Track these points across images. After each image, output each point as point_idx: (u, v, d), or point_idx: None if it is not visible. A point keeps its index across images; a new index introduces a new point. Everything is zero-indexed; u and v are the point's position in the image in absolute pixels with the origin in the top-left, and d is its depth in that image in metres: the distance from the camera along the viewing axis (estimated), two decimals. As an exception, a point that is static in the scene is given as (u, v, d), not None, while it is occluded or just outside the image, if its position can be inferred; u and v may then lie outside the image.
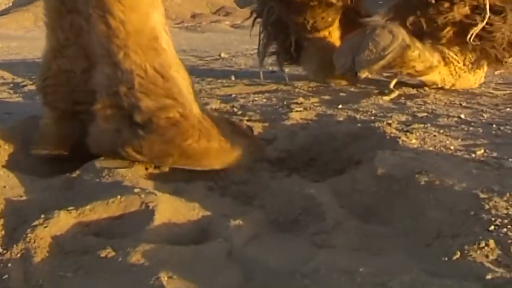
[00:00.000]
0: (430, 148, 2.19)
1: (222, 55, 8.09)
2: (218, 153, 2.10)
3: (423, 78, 4.27)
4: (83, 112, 2.17)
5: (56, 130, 2.23)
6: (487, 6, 3.96)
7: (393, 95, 3.93)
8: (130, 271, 1.33)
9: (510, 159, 2.15)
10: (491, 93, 4.19)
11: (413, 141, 2.28)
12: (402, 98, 3.84)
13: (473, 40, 4.12)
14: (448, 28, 4.08)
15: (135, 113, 1.95)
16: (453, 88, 4.32)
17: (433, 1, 4.00)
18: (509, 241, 1.27)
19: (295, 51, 4.85)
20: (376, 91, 4.20)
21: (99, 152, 2.12)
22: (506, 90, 4.31)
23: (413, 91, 4.22)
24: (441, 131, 2.69)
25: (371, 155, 1.97)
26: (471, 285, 1.19)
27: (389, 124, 2.81)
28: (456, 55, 4.22)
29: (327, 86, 4.45)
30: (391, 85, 4.13)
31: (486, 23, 4.08)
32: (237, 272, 1.34)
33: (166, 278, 1.26)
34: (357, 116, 3.05)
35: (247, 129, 2.50)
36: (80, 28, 2.06)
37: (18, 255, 1.41)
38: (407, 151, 2.05)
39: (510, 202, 1.50)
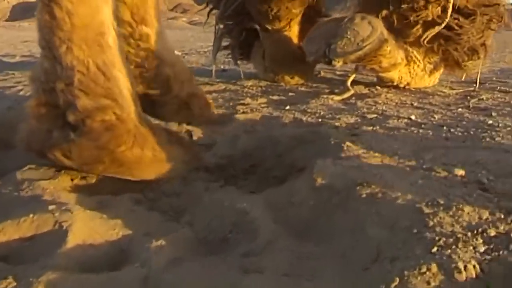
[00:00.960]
0: (376, 155, 2.05)
1: (175, 52, 7.88)
2: (151, 163, 1.95)
3: (382, 75, 4.17)
4: None
5: None
6: (450, 7, 3.88)
7: (347, 94, 3.81)
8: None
9: (459, 165, 2.04)
10: (443, 92, 4.12)
11: (359, 146, 2.14)
12: (353, 98, 3.73)
13: (439, 41, 4.06)
14: (418, 27, 3.99)
15: (69, 113, 1.80)
16: (407, 87, 4.24)
17: None
18: (453, 265, 1.14)
19: (247, 46, 4.71)
20: (327, 91, 4.09)
21: (28, 153, 1.97)
22: (459, 89, 4.25)
23: (365, 90, 4.13)
24: (390, 134, 2.58)
25: (312, 163, 1.82)
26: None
27: (336, 127, 2.69)
28: (419, 55, 4.14)
29: (277, 86, 4.32)
30: (348, 83, 4.01)
31: (456, 25, 4.01)
32: (150, 304, 1.19)
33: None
34: (304, 118, 2.92)
35: (184, 136, 2.34)
36: None
37: None
38: (351, 159, 1.92)
39: (456, 217, 1.38)
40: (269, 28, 4.38)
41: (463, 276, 1.12)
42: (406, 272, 1.15)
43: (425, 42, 3.99)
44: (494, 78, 5.03)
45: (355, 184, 1.61)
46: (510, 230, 1.34)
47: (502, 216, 1.42)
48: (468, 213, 1.41)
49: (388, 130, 2.66)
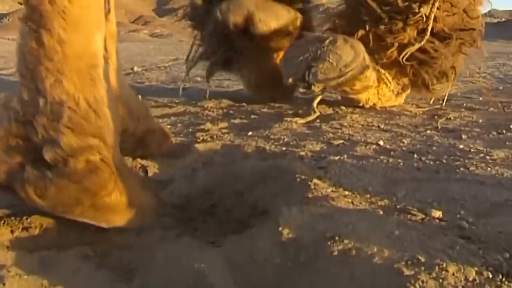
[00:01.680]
0: (346, 193, 1.89)
1: (135, 69, 7.68)
2: (125, 209, 1.77)
3: (350, 96, 4.01)
4: None
5: None
6: (429, 29, 3.77)
7: (312, 117, 3.65)
8: None
9: (435, 203, 1.90)
10: (410, 111, 4.01)
11: (326, 184, 1.98)
12: (318, 120, 3.57)
13: (411, 63, 3.94)
14: (393, 49, 3.87)
15: (48, 149, 1.60)
16: (372, 107, 4.12)
17: (386, 19, 3.77)
18: None
19: (228, 63, 4.52)
20: (290, 112, 3.93)
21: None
22: (425, 107, 4.15)
23: (329, 111, 3.98)
24: (359, 164, 2.43)
25: (277, 210, 1.65)
26: None
27: (301, 158, 2.53)
28: (390, 76, 4.01)
29: (239, 107, 4.15)
30: (315, 105, 3.85)
31: (431, 49, 3.90)
32: None
33: None
34: (267, 147, 2.75)
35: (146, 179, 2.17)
36: None
37: None
38: (319, 201, 1.75)
39: (440, 280, 1.21)
40: (256, 56, 4.23)
41: None
42: None
43: (403, 60, 3.86)
44: (459, 94, 4.96)
45: (324, 238, 1.43)
46: (501, 294, 1.18)
47: (490, 276, 1.27)
48: (453, 274, 1.25)
49: (356, 159, 2.51)
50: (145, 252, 1.63)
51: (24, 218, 1.84)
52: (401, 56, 3.83)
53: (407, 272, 1.26)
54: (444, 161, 2.50)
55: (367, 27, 3.84)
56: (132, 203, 1.78)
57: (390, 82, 4.05)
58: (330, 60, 3.43)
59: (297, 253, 1.43)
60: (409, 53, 3.83)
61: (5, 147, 1.66)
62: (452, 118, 3.70)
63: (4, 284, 1.32)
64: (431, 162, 2.48)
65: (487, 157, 2.55)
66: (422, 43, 3.85)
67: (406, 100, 4.44)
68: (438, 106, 4.15)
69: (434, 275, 1.24)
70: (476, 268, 1.29)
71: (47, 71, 1.60)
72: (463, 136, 3.04)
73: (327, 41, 3.51)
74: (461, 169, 2.35)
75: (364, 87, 3.84)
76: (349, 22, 3.98)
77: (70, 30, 1.60)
